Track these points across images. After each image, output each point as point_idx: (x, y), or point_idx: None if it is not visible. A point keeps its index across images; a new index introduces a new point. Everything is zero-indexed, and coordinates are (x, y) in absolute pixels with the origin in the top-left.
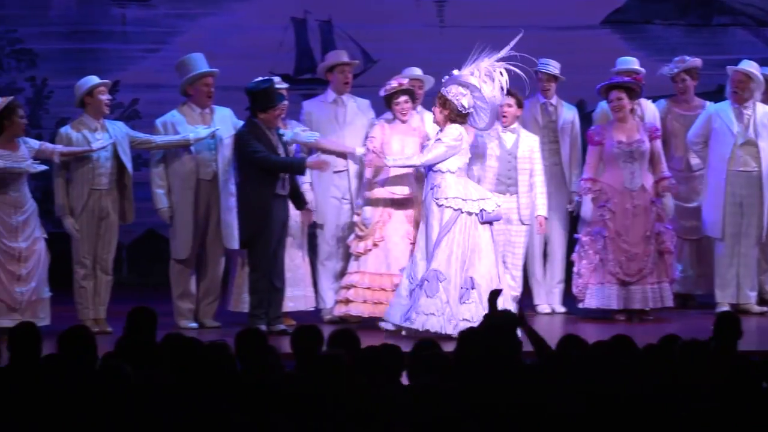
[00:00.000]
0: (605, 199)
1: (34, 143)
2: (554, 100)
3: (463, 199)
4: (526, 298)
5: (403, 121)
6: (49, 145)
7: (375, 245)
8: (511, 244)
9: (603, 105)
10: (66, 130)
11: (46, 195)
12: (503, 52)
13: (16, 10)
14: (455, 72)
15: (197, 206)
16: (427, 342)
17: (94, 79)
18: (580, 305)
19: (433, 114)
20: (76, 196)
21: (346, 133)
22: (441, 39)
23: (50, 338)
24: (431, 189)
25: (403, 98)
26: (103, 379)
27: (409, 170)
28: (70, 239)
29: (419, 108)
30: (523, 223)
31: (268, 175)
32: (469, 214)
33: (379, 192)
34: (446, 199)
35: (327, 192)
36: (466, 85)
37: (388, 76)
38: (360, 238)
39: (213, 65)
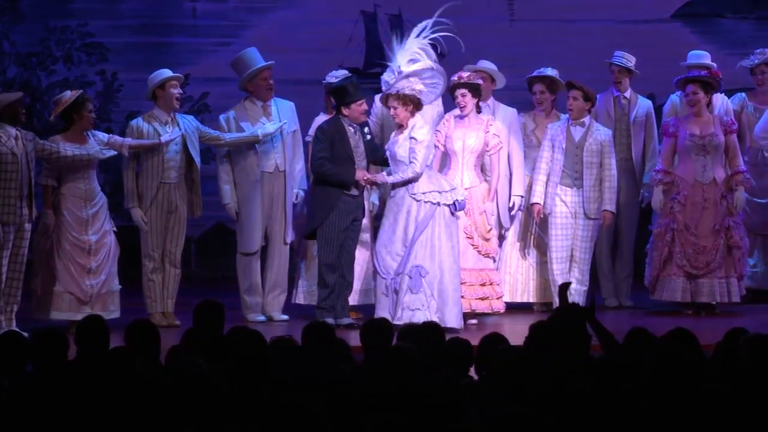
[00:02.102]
0: (676, 191)
1: (103, 136)
2: (628, 93)
3: (439, 192)
4: (594, 292)
5: (463, 116)
6: (118, 138)
7: None
8: (577, 238)
9: (673, 99)
10: (137, 122)
11: (115, 188)
12: (426, 29)
13: (87, 4)
14: (393, 66)
15: (262, 199)
16: (496, 336)
17: (166, 73)
18: (651, 297)
19: (396, 116)
20: (146, 189)
21: None
22: (511, 33)
23: (120, 331)
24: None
25: (460, 92)
26: (172, 372)
27: (475, 162)
28: (139, 232)
29: (491, 101)
30: (589, 218)
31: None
32: (446, 206)
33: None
34: (423, 193)
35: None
36: (412, 74)
37: (457, 70)
38: None
39: (283, 59)
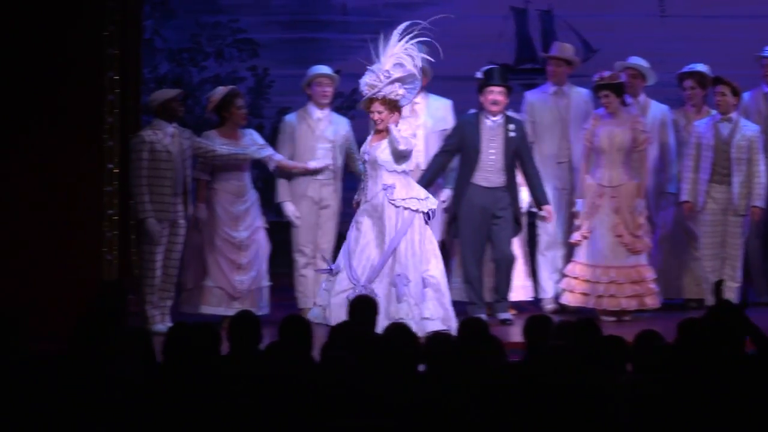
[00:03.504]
0: None
1: (259, 139)
2: None
3: (417, 199)
4: (746, 289)
5: (614, 113)
6: (268, 151)
7: (584, 237)
8: (728, 234)
9: None
10: (290, 118)
11: (267, 184)
12: (404, 38)
13: (238, 0)
14: (376, 69)
15: None
16: (650, 332)
17: (315, 70)
18: None
19: (380, 121)
20: (297, 185)
21: (569, 125)
22: (662, 29)
23: (268, 327)
24: (384, 189)
25: (603, 93)
26: (323, 368)
27: (623, 160)
28: (290, 228)
29: (642, 98)
30: (739, 214)
31: (465, 166)
32: (424, 213)
33: (590, 181)
34: (403, 200)
35: (548, 182)
36: (398, 79)
37: (607, 66)
38: (575, 228)
39: (432, 56)
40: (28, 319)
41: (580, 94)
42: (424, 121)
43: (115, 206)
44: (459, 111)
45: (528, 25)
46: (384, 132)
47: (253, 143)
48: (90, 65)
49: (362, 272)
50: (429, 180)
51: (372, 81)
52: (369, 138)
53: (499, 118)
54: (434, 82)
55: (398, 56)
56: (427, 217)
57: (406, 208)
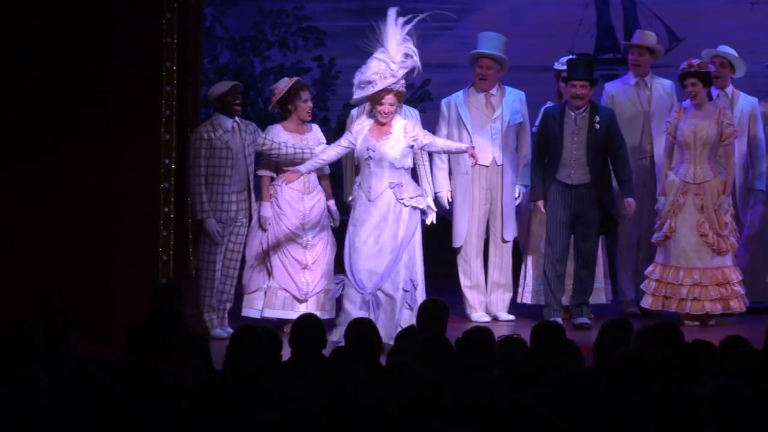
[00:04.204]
0: None
1: (322, 136)
2: None
3: (423, 197)
4: None
5: (699, 105)
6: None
7: (666, 237)
8: None
9: None
10: (358, 111)
11: (333, 181)
12: (403, 31)
13: None
14: (387, 59)
15: (475, 193)
16: (736, 338)
17: None
18: None
19: (389, 114)
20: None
21: (651, 118)
22: (751, 16)
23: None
24: (391, 188)
25: (690, 81)
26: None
27: (709, 155)
28: None
29: (730, 89)
30: None
31: (551, 162)
32: (422, 212)
33: (672, 178)
34: (411, 198)
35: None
36: (410, 68)
37: (693, 56)
38: (657, 227)
39: (509, 44)
40: (81, 321)
41: (663, 85)
42: (502, 114)
43: (171, 204)
44: (533, 104)
45: (610, 13)
46: (386, 126)
47: (318, 141)
48: (147, 55)
49: (368, 277)
50: (541, 178)
51: (382, 70)
52: (362, 131)
53: (583, 111)
54: (510, 72)
55: (407, 47)
56: (425, 215)
57: (415, 207)
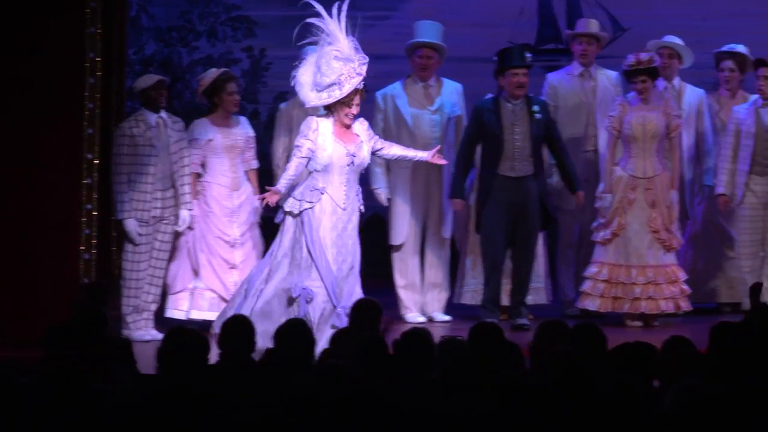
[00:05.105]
0: None
1: (251, 129)
2: None
3: None
4: None
5: (644, 99)
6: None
7: (615, 234)
8: None
9: None
10: (286, 105)
11: (263, 176)
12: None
13: None
14: (349, 56)
15: (415, 189)
16: (680, 339)
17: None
18: None
19: (354, 116)
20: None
21: (595, 110)
22: (697, 5)
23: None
24: (357, 195)
25: (640, 78)
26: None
27: (657, 148)
28: None
29: (676, 81)
30: None
31: (491, 155)
32: None
33: (620, 173)
34: (360, 204)
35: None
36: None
37: (639, 46)
38: (602, 225)
39: (447, 35)
40: None
41: (608, 76)
42: (441, 105)
43: (94, 200)
44: (471, 96)
45: (552, 2)
46: (349, 128)
47: (245, 136)
48: (70, 45)
49: (339, 291)
50: (465, 176)
51: (348, 71)
52: (324, 135)
53: (520, 101)
54: (447, 63)
55: (353, 39)
56: None
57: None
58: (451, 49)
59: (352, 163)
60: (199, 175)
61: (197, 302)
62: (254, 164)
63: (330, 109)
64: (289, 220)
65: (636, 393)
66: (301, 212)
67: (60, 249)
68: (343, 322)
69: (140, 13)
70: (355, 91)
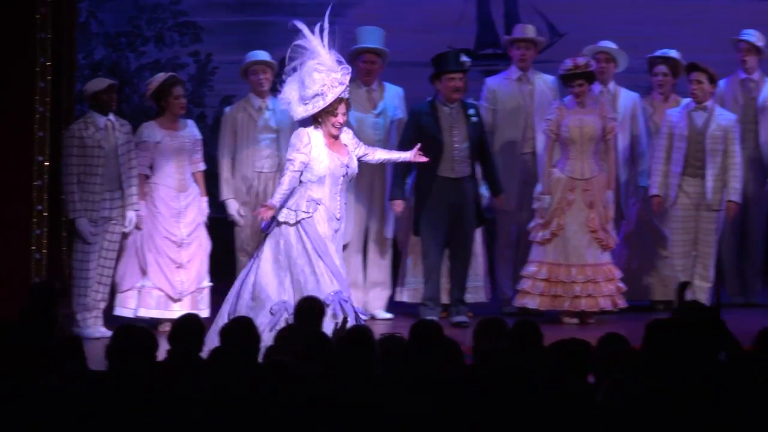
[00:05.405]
0: None
1: (198, 135)
2: (756, 75)
3: None
4: (719, 289)
5: (581, 102)
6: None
7: (554, 234)
8: (701, 231)
9: None
10: (231, 109)
11: (209, 178)
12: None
13: None
14: (333, 67)
15: (359, 189)
16: (615, 335)
17: (251, 57)
18: None
19: (341, 126)
20: (240, 180)
21: (533, 113)
22: (632, 10)
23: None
24: (345, 204)
25: (577, 83)
26: (264, 374)
27: (593, 150)
28: (232, 225)
29: (612, 85)
30: (713, 209)
31: (430, 157)
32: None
33: (558, 175)
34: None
35: (511, 175)
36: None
37: (575, 51)
38: (540, 226)
39: (388, 40)
40: None
41: (545, 80)
42: (384, 109)
43: (44, 202)
44: (416, 100)
45: (490, 8)
46: (338, 138)
47: (192, 138)
48: (20, 50)
49: (348, 292)
50: (404, 178)
51: (330, 80)
52: (316, 146)
53: (456, 105)
54: (389, 68)
55: (334, 52)
56: None
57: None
58: (392, 54)
59: (347, 174)
60: (147, 177)
61: (145, 300)
62: (201, 166)
63: (317, 121)
64: (283, 228)
65: (571, 388)
66: (298, 222)
67: (11, 249)
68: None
69: (89, 19)
70: (339, 100)
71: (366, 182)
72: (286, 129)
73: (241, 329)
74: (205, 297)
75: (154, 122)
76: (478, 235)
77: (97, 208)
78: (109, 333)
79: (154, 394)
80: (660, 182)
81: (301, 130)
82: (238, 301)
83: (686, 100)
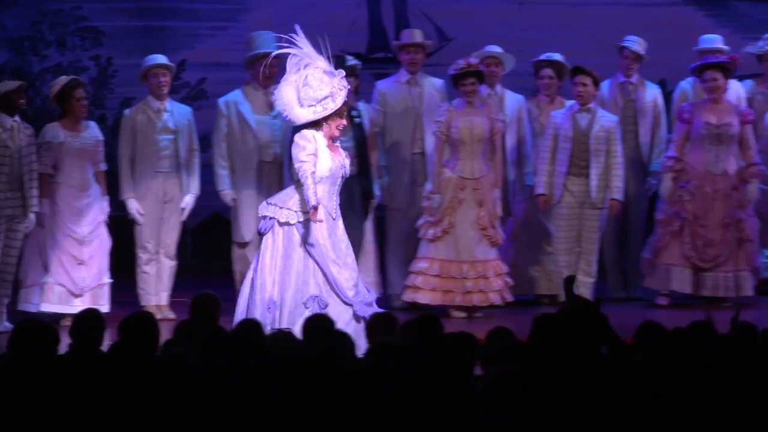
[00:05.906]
0: (686, 179)
1: (100, 136)
2: (635, 78)
3: None
4: (602, 284)
5: (470, 103)
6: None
7: (445, 232)
8: (584, 228)
9: (683, 86)
10: (130, 111)
11: (110, 177)
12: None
13: None
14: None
15: (260, 189)
16: (502, 329)
17: (150, 60)
18: (643, 285)
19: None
20: (140, 179)
21: (422, 114)
22: (519, 16)
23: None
24: (338, 205)
25: (470, 80)
26: (163, 367)
27: (482, 150)
28: (132, 223)
29: (499, 88)
30: (596, 207)
31: None
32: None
33: (448, 175)
34: None
35: (401, 174)
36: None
37: (463, 55)
38: (430, 223)
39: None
40: None
41: (433, 83)
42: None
43: None
44: None
45: (381, 13)
46: (333, 140)
47: (94, 140)
48: None
49: (353, 291)
50: None
51: (336, 83)
52: (322, 148)
53: None
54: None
55: (324, 59)
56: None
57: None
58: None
59: (344, 174)
60: (50, 176)
61: (47, 296)
62: (102, 166)
63: (319, 123)
64: (285, 228)
65: (456, 380)
66: (300, 222)
67: None
68: (368, 311)
69: None
70: (345, 103)
71: (266, 182)
72: (184, 130)
73: (141, 323)
74: (105, 292)
75: (57, 123)
76: (369, 232)
77: (2, 206)
78: (11, 327)
79: (55, 385)
80: (545, 181)
81: (306, 131)
82: (249, 303)
83: (570, 102)
